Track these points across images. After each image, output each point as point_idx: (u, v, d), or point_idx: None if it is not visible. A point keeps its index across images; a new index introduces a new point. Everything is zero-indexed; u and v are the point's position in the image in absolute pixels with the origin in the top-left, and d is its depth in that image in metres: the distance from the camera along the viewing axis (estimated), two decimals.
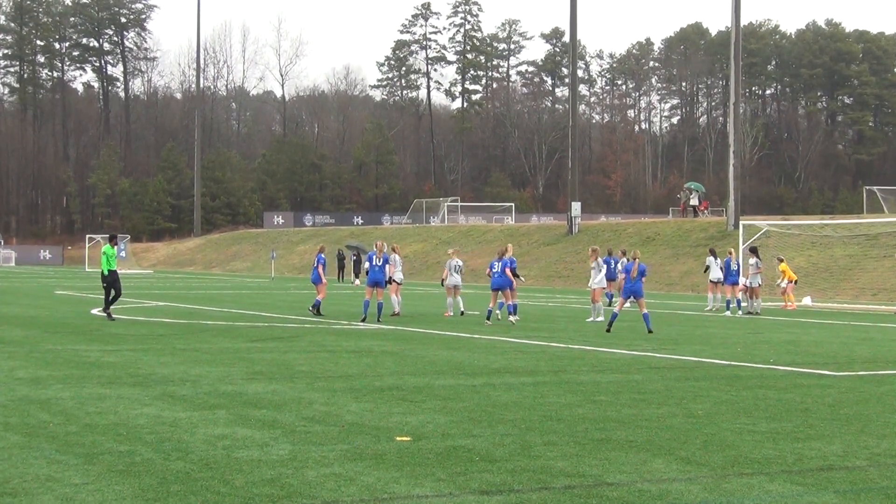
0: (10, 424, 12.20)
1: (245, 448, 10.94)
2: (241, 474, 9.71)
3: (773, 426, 12.66)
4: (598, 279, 33.27)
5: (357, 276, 69.48)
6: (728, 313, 36.78)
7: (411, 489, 9.24)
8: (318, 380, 16.63)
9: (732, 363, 19.81)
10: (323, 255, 35.00)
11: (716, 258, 39.24)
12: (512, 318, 30.16)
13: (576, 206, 77.34)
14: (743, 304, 37.75)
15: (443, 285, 35.21)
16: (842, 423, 13.02)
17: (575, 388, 15.85)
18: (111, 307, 30.64)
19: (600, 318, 31.35)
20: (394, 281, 33.69)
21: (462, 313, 33.80)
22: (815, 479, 9.89)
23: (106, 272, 30.57)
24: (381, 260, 31.00)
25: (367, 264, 31.27)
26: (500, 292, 30.58)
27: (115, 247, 31.25)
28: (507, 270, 30.27)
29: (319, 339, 24.63)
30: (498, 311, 30.79)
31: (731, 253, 38.74)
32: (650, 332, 26.92)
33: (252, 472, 9.82)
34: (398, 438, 11.55)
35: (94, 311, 33.98)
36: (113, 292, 30.55)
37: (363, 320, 30.52)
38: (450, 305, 34.40)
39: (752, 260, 37.63)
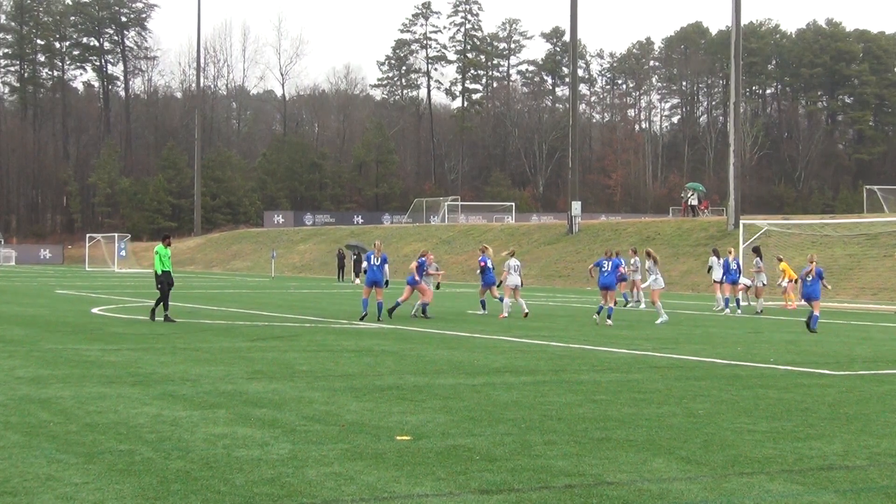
0: (10, 423, 12.20)
1: (245, 447, 10.94)
2: (242, 473, 9.71)
3: (774, 426, 12.66)
4: (654, 281, 33.38)
5: (357, 276, 69.61)
6: (727, 311, 36.80)
7: (411, 488, 9.24)
8: (318, 379, 16.63)
9: (733, 362, 19.81)
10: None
11: (719, 258, 39.26)
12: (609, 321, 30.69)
13: (576, 206, 77.33)
14: (743, 304, 37.78)
15: (499, 286, 35.07)
16: (842, 422, 13.02)
17: (575, 388, 15.85)
18: (167, 309, 29.77)
19: (664, 318, 31.54)
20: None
21: (525, 315, 33.31)
22: (815, 479, 9.88)
23: (160, 272, 30.03)
24: (380, 259, 31.05)
25: (365, 264, 31.36)
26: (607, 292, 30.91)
27: (168, 247, 30.50)
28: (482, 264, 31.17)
29: (319, 338, 24.63)
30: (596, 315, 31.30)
31: (730, 252, 38.70)
32: (813, 331, 27.63)
33: (252, 471, 9.83)
34: (398, 438, 11.55)
35: (95, 311, 33.97)
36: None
37: (362, 318, 30.52)
38: (506, 307, 33.86)
39: (755, 260, 37.77)
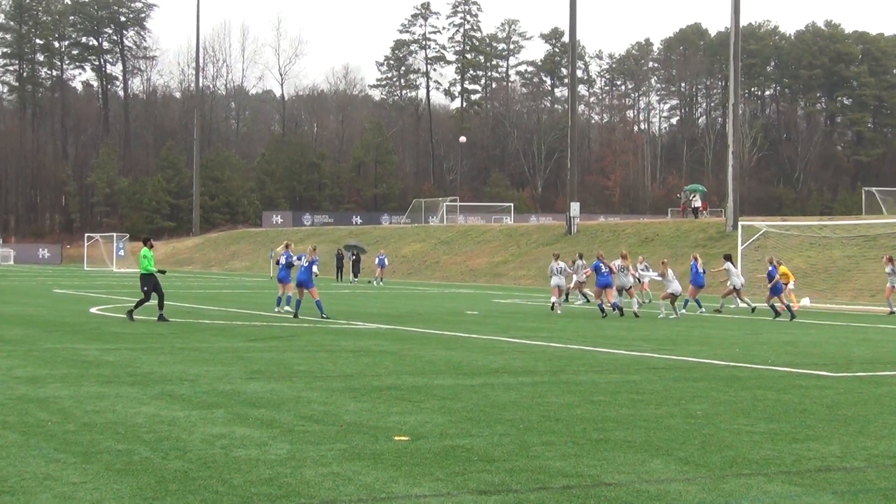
0: (8, 423, 12.20)
1: (243, 447, 10.94)
2: (240, 473, 9.71)
3: (772, 427, 12.66)
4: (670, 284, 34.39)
5: (356, 276, 69.68)
6: (684, 311, 36.77)
7: (409, 489, 9.24)
8: (316, 379, 16.63)
9: (731, 364, 19.81)
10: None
11: (734, 264, 39.67)
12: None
13: (575, 207, 77.37)
14: (742, 305, 38.05)
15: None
16: (840, 423, 13.02)
17: (573, 389, 15.85)
18: (162, 310, 29.97)
19: (672, 316, 33.26)
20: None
21: (565, 302, 37.24)
22: (813, 480, 9.89)
23: (152, 272, 30.28)
24: (309, 262, 32.11)
25: (297, 262, 32.81)
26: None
27: (152, 249, 30.92)
28: None
29: (318, 338, 24.63)
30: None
31: (696, 258, 39.44)
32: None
33: (250, 471, 9.82)
34: (396, 438, 11.55)
35: (93, 311, 33.97)
36: (154, 295, 30.19)
37: (295, 316, 31.38)
38: (557, 305, 36.59)
39: (727, 265, 38.25)
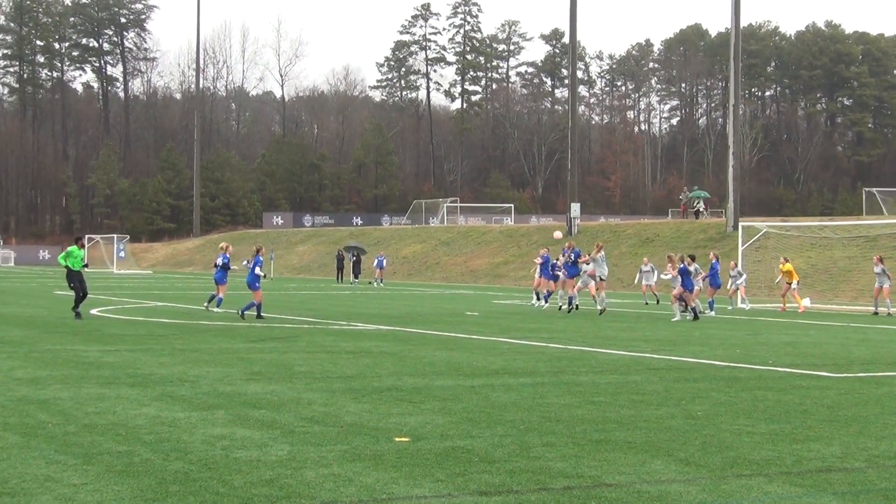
0: (8, 424, 12.20)
1: (244, 448, 10.94)
2: (240, 475, 9.71)
3: (772, 427, 12.66)
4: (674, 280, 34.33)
5: (357, 277, 69.69)
6: (712, 313, 36.78)
7: (410, 490, 9.24)
8: (316, 380, 16.62)
9: (731, 364, 19.81)
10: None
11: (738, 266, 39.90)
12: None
13: (575, 207, 77.39)
14: (741, 306, 38.05)
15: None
16: (840, 424, 13.02)
17: (574, 389, 15.84)
18: (78, 306, 31.12)
19: (676, 318, 32.90)
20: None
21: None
22: (813, 481, 9.88)
23: (75, 269, 31.20)
24: (253, 262, 32.35)
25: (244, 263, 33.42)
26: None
27: (82, 248, 31.79)
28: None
29: (318, 339, 24.63)
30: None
31: (717, 257, 39.72)
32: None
33: (251, 472, 9.82)
34: (397, 439, 11.54)
35: (94, 312, 33.97)
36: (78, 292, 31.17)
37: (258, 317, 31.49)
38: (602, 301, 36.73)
39: (693, 266, 37.93)
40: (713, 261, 38.77)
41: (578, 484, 9.57)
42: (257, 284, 31.98)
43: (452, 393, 15.27)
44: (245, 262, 33.91)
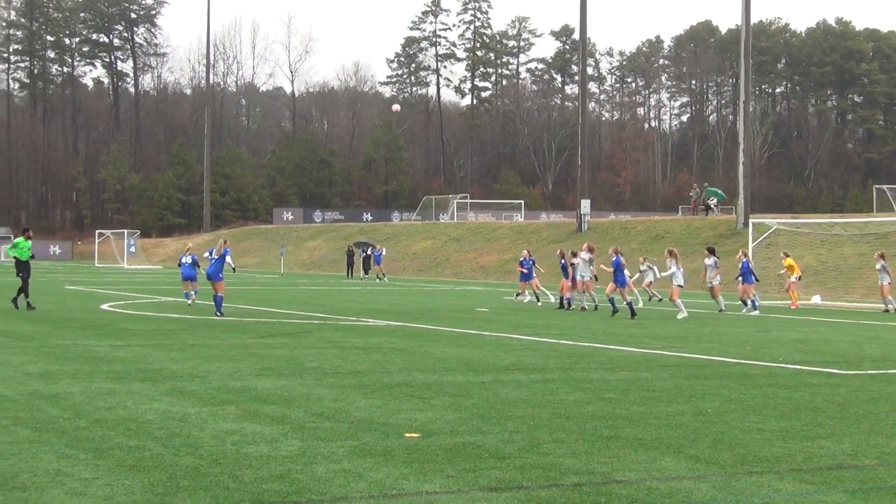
0: (19, 419, 12.22)
1: (254, 444, 10.95)
2: (251, 470, 9.72)
3: (783, 425, 12.64)
4: (673, 276, 34.07)
5: (367, 273, 69.73)
6: (756, 311, 36.44)
7: (420, 485, 9.24)
8: (326, 376, 16.64)
9: (741, 361, 19.79)
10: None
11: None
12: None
13: (585, 204, 77.31)
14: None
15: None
16: (851, 421, 13.00)
17: (584, 386, 15.84)
18: (28, 296, 32.50)
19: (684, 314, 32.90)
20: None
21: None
22: (824, 478, 9.87)
23: (24, 261, 32.82)
24: (219, 255, 31.91)
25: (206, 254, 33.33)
26: None
27: (29, 239, 33.60)
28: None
29: (328, 335, 24.65)
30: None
31: (746, 255, 39.32)
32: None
33: (261, 467, 9.83)
34: (407, 435, 11.55)
35: (104, 307, 34.02)
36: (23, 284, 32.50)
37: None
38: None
39: (712, 259, 37.64)
40: (743, 259, 38.27)
41: (588, 480, 9.57)
42: (220, 275, 31.58)
43: (463, 389, 15.27)
44: (208, 255, 34.31)
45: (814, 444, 11.50)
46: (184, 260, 36.30)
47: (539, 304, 39.98)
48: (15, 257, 32.64)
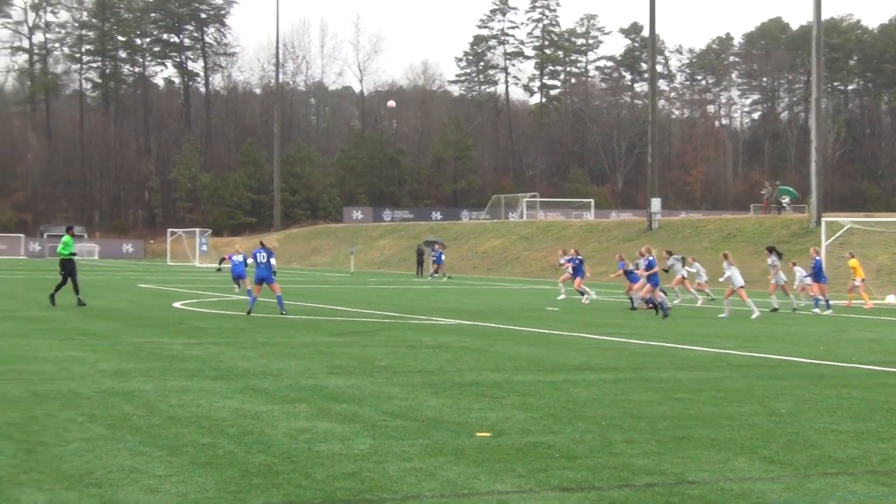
0: (94, 416, 12.35)
1: (326, 442, 10.99)
2: (322, 468, 9.75)
3: (858, 426, 12.51)
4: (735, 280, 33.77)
5: (435, 272, 69.81)
6: (816, 310, 36.13)
7: (492, 485, 9.23)
8: (397, 374, 16.67)
9: (815, 361, 19.61)
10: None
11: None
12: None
13: (655, 203, 76.95)
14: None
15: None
16: None
17: (655, 386, 15.76)
18: (79, 293, 32.92)
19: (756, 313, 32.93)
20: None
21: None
22: None
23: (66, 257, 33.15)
24: (265, 256, 31.07)
25: (250, 260, 31.94)
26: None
27: (73, 237, 34.16)
28: None
29: (398, 333, 24.69)
30: None
31: (818, 252, 38.74)
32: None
33: (333, 465, 9.86)
34: (478, 434, 11.54)
35: (177, 305, 34.30)
36: (69, 280, 32.93)
37: (249, 313, 30.21)
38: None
39: (771, 258, 37.27)
40: (815, 257, 37.77)
41: (661, 481, 9.51)
42: (273, 277, 31.27)
43: (533, 388, 15.25)
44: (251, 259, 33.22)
45: (890, 445, 11.36)
46: (235, 259, 37.92)
47: (584, 300, 39.68)
48: (62, 255, 33.28)
